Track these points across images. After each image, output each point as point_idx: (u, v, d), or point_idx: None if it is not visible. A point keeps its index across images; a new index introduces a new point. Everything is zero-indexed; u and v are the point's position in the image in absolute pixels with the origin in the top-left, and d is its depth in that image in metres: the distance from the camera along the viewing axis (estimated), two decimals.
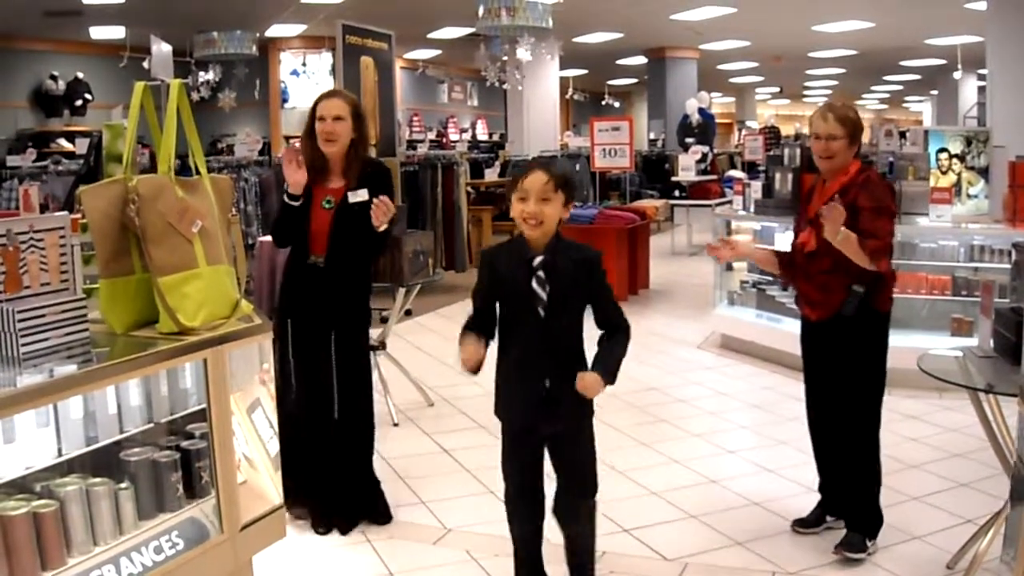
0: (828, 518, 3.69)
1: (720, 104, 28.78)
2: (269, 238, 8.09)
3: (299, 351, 3.74)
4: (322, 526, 3.77)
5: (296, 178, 3.57)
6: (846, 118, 3.41)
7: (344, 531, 3.75)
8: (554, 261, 2.74)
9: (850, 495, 3.54)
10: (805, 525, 3.71)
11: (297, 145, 3.67)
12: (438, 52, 18.64)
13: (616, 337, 2.82)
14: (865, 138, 5.94)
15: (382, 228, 3.55)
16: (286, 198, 3.60)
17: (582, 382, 2.71)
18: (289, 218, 3.65)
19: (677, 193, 13.64)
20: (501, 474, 2.96)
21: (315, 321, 3.71)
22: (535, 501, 2.94)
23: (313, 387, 3.73)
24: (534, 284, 2.73)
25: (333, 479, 3.78)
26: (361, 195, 3.57)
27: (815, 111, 3.53)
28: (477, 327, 2.82)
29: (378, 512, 3.86)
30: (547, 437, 2.87)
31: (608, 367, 2.76)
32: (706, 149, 15.00)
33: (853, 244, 3.27)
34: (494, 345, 2.86)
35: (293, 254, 3.77)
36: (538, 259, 2.73)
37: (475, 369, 2.74)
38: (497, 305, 2.84)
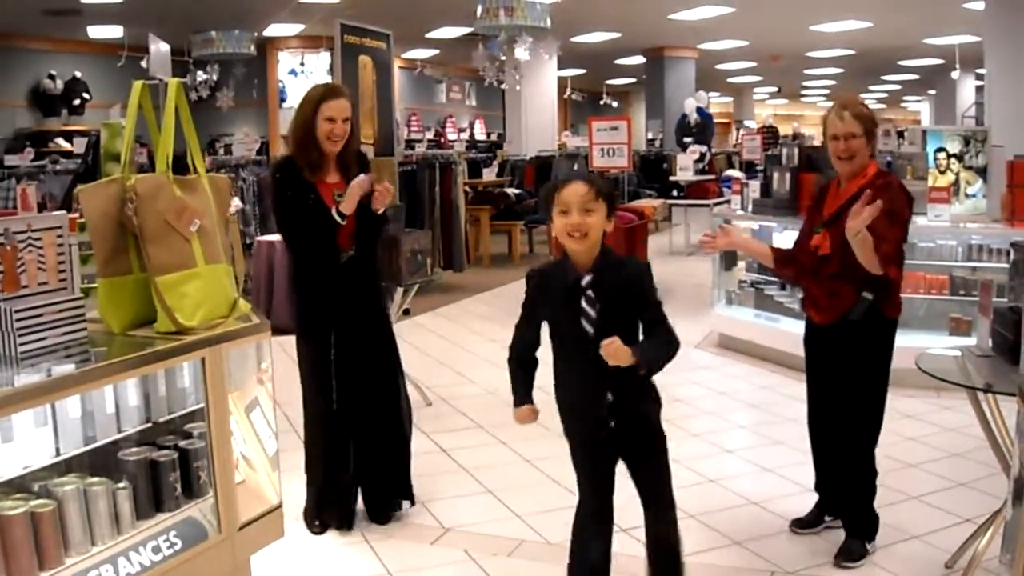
0: (826, 518, 3.69)
1: (718, 104, 28.80)
2: (267, 237, 8.17)
3: (346, 348, 3.74)
4: (332, 520, 3.81)
5: (353, 205, 3.59)
6: (862, 114, 3.30)
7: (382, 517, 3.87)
8: (602, 279, 2.61)
9: (846, 499, 3.53)
10: (803, 525, 3.71)
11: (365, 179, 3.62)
12: (436, 52, 18.65)
13: (663, 339, 2.63)
14: None
15: (381, 211, 3.66)
16: (336, 216, 3.57)
17: (607, 347, 2.50)
18: (332, 233, 3.62)
19: (675, 193, 13.63)
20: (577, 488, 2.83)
21: (366, 311, 3.79)
22: (604, 519, 2.78)
23: (371, 378, 3.82)
24: (583, 303, 2.61)
25: (387, 462, 3.88)
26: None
27: (829, 111, 3.39)
28: (522, 357, 2.76)
29: (379, 509, 3.87)
30: (619, 451, 2.73)
31: (643, 349, 2.56)
32: (704, 149, 15.00)
33: (869, 245, 3.12)
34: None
35: (317, 257, 3.70)
36: (586, 278, 2.61)
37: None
38: (544, 324, 2.75)
